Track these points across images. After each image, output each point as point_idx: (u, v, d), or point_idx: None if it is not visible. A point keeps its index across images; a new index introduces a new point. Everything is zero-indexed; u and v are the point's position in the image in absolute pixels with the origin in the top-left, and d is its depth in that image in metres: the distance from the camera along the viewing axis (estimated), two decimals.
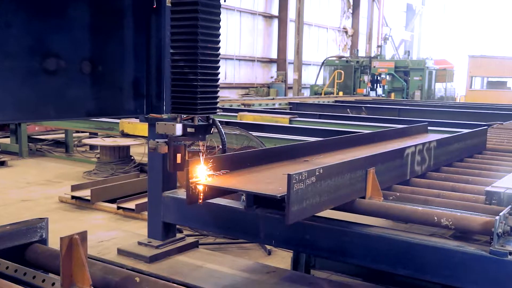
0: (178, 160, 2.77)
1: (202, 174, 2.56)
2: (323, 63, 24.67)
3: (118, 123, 8.48)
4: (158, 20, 3.25)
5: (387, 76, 22.76)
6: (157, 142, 2.79)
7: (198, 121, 2.80)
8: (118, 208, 6.31)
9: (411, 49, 33.95)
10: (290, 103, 13.73)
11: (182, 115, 2.78)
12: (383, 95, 22.24)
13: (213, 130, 2.91)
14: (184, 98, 2.76)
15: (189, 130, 2.77)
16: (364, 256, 2.59)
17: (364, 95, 20.83)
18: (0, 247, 2.76)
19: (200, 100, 2.74)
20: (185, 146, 2.79)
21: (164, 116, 3.02)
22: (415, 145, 3.60)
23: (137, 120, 7.78)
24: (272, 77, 26.95)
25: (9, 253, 2.76)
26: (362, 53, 28.83)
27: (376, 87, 22.97)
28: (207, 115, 2.82)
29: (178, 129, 2.74)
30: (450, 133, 5.24)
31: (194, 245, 3.54)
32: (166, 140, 2.78)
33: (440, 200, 3.06)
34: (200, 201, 2.55)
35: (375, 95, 22.10)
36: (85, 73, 2.96)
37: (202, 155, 2.59)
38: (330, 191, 2.55)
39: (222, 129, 2.97)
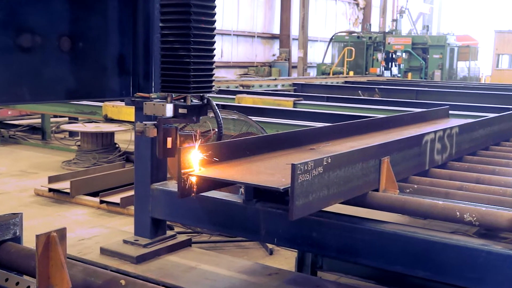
0: (169, 145, 2.76)
1: (195, 163, 2.55)
2: (331, 39, 24.62)
3: (101, 106, 8.46)
4: None
5: (404, 53, 22.73)
6: (145, 124, 2.77)
7: (191, 101, 2.78)
8: (101, 202, 6.32)
9: (430, 24, 33.90)
10: (294, 84, 13.71)
11: (173, 95, 2.77)
12: (399, 75, 22.23)
13: (208, 112, 2.89)
14: (175, 76, 2.74)
15: (181, 111, 2.75)
16: (377, 256, 2.59)
17: (378, 75, 20.82)
18: None
19: (193, 78, 2.72)
20: (176, 129, 2.78)
21: (153, 95, 3.00)
22: (435, 132, 3.59)
23: (122, 103, 7.84)
24: (274, 55, 26.90)
25: None
26: (375, 28, 28.76)
27: (391, 66, 22.94)
28: (201, 94, 2.81)
29: (169, 109, 2.72)
30: (474, 118, 5.25)
31: (187, 244, 3.54)
32: (155, 122, 2.77)
33: (462, 193, 3.06)
34: (193, 194, 2.55)
35: (389, 75, 22.09)
36: (64, 50, 2.95)
37: (196, 141, 2.58)
38: (339, 183, 2.54)
39: (218, 111, 2.96)
